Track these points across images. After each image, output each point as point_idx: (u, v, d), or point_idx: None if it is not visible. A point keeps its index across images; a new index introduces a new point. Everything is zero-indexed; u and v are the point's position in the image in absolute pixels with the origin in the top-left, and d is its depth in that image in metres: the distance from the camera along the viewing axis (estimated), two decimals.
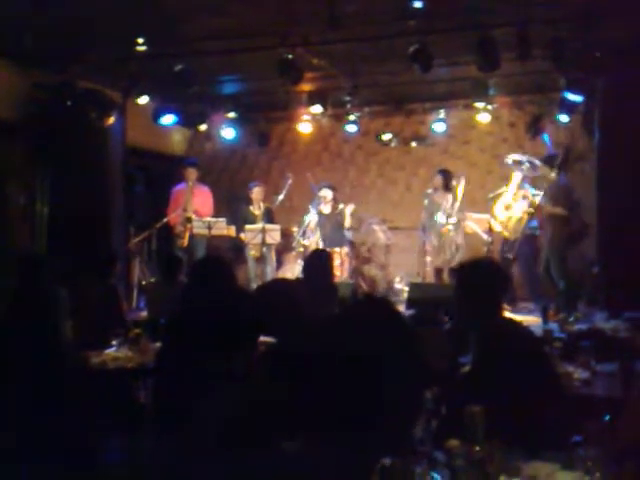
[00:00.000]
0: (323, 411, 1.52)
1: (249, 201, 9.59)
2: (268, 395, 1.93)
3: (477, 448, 2.39)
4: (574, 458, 2.39)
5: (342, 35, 6.93)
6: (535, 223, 8.67)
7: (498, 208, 8.68)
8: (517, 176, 8.59)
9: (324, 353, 1.59)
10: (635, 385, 3.11)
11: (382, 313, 1.64)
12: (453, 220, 8.75)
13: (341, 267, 9.09)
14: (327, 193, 9.36)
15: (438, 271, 8.83)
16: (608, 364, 4.34)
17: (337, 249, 9.09)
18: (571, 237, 8.31)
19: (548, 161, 8.27)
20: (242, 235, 9.19)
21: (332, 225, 9.30)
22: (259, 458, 1.49)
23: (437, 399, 3.70)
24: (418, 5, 6.09)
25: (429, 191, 9.10)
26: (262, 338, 3.13)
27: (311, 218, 9.44)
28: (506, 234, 8.73)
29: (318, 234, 9.40)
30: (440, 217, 8.80)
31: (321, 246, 9.03)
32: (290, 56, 7.10)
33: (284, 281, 5.19)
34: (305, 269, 5.66)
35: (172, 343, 3.23)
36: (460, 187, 8.79)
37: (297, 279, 7.10)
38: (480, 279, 3.29)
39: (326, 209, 9.42)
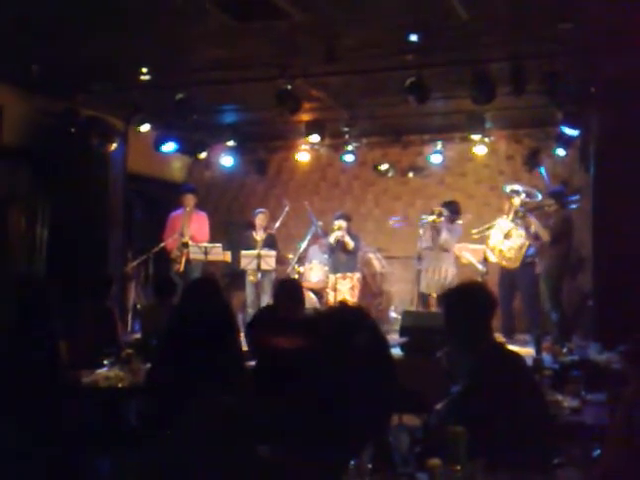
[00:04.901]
0: (300, 418, 1.56)
1: (252, 227, 9.61)
2: (254, 404, 1.97)
3: (458, 468, 2.42)
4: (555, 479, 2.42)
5: (340, 68, 7.07)
6: (533, 251, 8.63)
7: (496, 237, 8.63)
8: (515, 204, 8.62)
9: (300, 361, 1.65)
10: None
11: (353, 319, 1.69)
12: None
13: (352, 292, 9.11)
14: (342, 223, 9.22)
15: (424, 297, 8.79)
16: (599, 394, 4.37)
17: (349, 274, 9.13)
18: (568, 271, 8.34)
19: (555, 196, 8.30)
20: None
21: (344, 252, 9.22)
22: (238, 463, 1.54)
23: (426, 425, 3.72)
24: (414, 38, 6.21)
25: (424, 221, 8.97)
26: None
27: (307, 245, 9.44)
28: (504, 263, 8.60)
29: (315, 261, 9.42)
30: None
31: (332, 274, 9.04)
32: (289, 87, 7.21)
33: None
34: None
35: (161, 361, 3.27)
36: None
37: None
38: (466, 303, 3.33)
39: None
